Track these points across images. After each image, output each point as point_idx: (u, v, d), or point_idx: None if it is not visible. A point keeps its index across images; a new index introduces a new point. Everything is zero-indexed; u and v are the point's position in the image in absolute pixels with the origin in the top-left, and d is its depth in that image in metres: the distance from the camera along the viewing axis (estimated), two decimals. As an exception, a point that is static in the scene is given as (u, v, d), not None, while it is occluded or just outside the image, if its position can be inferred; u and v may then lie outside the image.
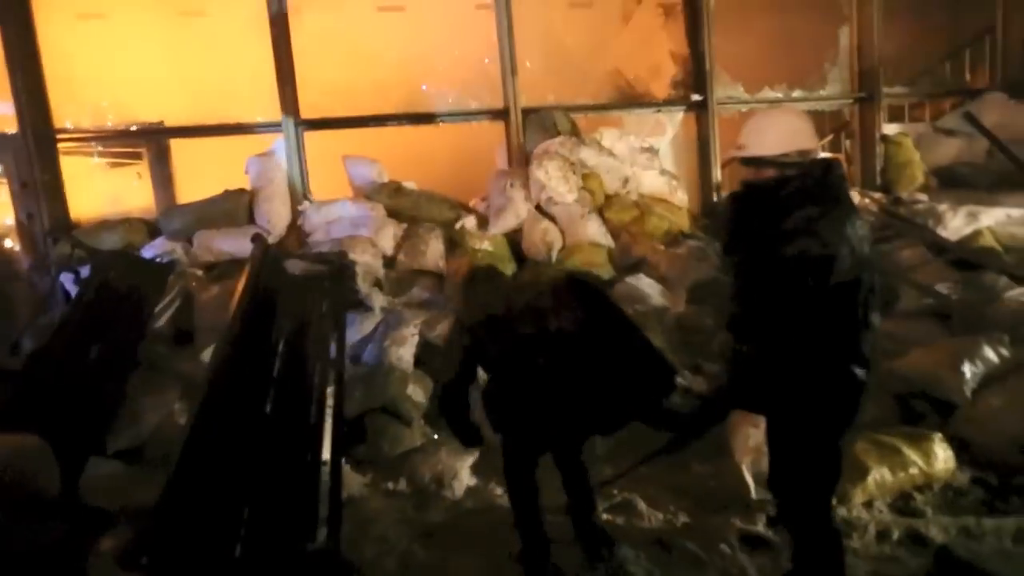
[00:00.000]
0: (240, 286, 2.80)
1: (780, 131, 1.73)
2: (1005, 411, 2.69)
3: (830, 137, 6.17)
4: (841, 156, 5.96)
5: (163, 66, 5.16)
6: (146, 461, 2.84)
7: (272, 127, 4.18)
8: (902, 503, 2.40)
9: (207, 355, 3.18)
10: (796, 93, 5.51)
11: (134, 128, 4.40)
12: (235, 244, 3.82)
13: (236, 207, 3.98)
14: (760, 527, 2.34)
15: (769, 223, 1.67)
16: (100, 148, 4.60)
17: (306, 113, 4.16)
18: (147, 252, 3.78)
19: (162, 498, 1.58)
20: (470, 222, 4.14)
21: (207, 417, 1.98)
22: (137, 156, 4.63)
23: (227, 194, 4.03)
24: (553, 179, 4.08)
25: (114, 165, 4.82)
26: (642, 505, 2.48)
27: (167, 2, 5.70)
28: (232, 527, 1.72)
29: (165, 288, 3.46)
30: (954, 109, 5.92)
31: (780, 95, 5.42)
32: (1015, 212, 4.42)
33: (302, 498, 1.92)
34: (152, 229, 4.00)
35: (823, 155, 1.81)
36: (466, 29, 5.57)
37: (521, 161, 4.45)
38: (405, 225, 4.08)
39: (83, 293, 3.16)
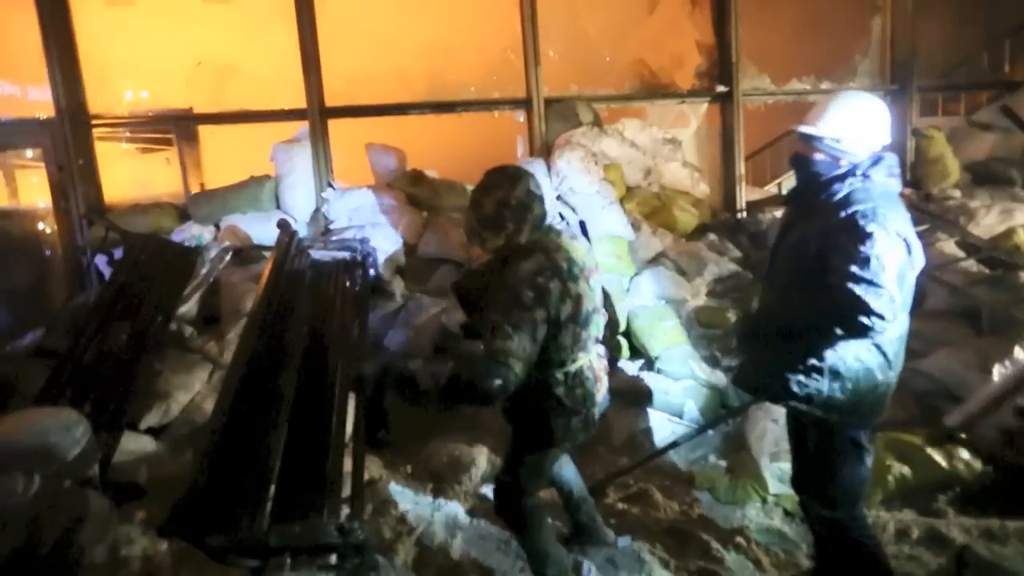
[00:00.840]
0: (267, 270, 2.87)
1: (850, 114, 1.68)
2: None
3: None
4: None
5: (192, 53, 5.25)
6: (173, 438, 2.94)
7: (297, 114, 4.24)
8: (923, 503, 2.37)
9: (232, 337, 3.28)
10: (824, 85, 5.38)
11: (165, 114, 4.49)
12: (260, 229, 3.91)
13: (261, 193, 4.06)
14: (777, 521, 2.35)
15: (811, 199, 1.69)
16: (132, 134, 4.71)
17: (330, 101, 4.20)
18: (176, 236, 3.89)
19: (195, 472, 1.64)
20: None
21: (236, 397, 2.05)
22: (167, 142, 4.74)
23: (253, 180, 4.10)
24: (575, 169, 4.06)
25: (145, 150, 4.94)
26: (658, 495, 2.49)
27: None
28: (259, 502, 1.78)
29: (193, 271, 3.56)
30: (991, 102, 5.72)
31: (808, 87, 5.30)
32: (1052, 210, 4.28)
33: (325, 477, 1.98)
34: (181, 213, 4.10)
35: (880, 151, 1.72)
36: (487, 17, 5.55)
37: (542, 151, 4.44)
38: (426, 213, 4.11)
39: (117, 275, 3.26)
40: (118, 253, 3.57)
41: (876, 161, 1.68)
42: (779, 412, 2.74)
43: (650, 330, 3.41)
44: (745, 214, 4.97)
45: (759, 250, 4.40)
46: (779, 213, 4.74)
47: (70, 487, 1.79)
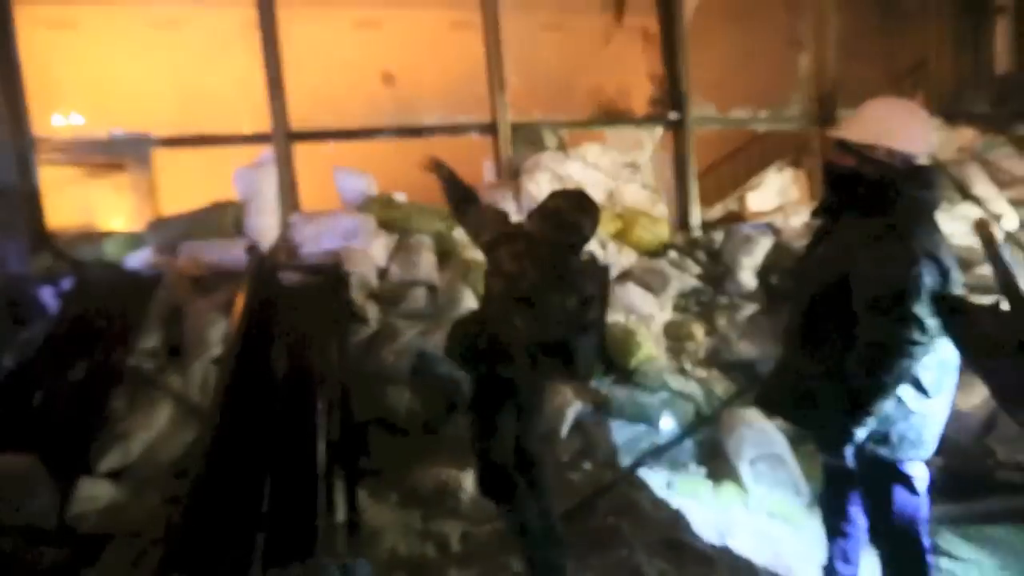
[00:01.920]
0: (238, 298, 2.76)
1: (890, 123, 1.58)
2: None
3: (790, 157, 6.51)
4: (803, 172, 6.31)
5: (145, 76, 5.07)
6: (135, 481, 2.74)
7: (261, 139, 4.16)
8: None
9: (198, 367, 3.12)
10: (762, 114, 5.80)
11: (117, 138, 4.30)
12: (224, 255, 3.76)
13: (224, 219, 3.93)
14: (761, 522, 2.43)
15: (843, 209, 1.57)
16: (79, 158, 4.47)
17: (295, 125, 4.15)
18: (131, 264, 3.69)
19: (183, 516, 1.55)
20: (462, 233, 4.18)
21: (216, 431, 1.95)
22: (119, 167, 4.51)
23: (215, 206, 3.97)
24: (544, 192, 4.17)
25: (94, 175, 4.68)
26: (647, 506, 2.54)
27: (137, 14, 5.63)
28: (250, 545, 1.70)
29: (152, 302, 3.38)
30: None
31: (748, 116, 5.71)
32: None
33: (316, 514, 1.90)
34: (136, 241, 3.90)
35: (922, 163, 1.61)
36: (444, 46, 5.68)
37: (510, 175, 4.53)
38: (397, 236, 4.09)
39: (66, 307, 3.06)
40: (66, 284, 3.35)
41: (913, 173, 1.55)
42: (753, 417, 2.88)
43: (625, 345, 3.51)
44: (700, 232, 5.24)
45: (716, 266, 4.65)
46: (726, 232, 5.03)
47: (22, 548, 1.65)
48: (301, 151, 4.20)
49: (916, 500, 1.65)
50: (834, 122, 5.85)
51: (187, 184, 4.31)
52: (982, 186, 5.45)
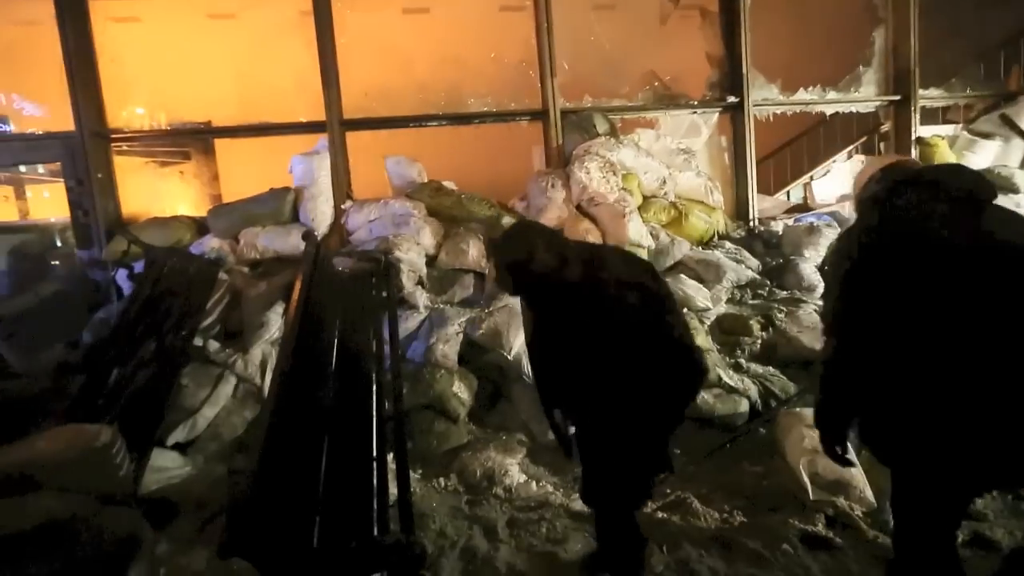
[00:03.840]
0: (297, 283, 2.84)
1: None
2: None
3: (864, 139, 6.10)
4: (876, 158, 5.89)
5: (206, 67, 5.27)
6: (201, 454, 2.90)
7: (316, 127, 4.25)
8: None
9: (257, 351, 3.25)
10: (831, 95, 5.45)
11: (182, 128, 4.50)
12: (280, 242, 3.89)
13: (281, 205, 4.05)
14: (820, 527, 2.32)
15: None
16: (149, 148, 4.71)
17: (348, 113, 4.21)
18: (195, 249, 3.86)
19: (250, 491, 1.60)
20: (510, 221, 4.15)
21: (275, 413, 2.01)
22: (185, 155, 4.73)
23: (272, 192, 4.09)
24: (595, 179, 4.08)
25: (163, 164, 4.93)
26: (697, 504, 2.46)
27: (198, 5, 5.83)
28: (310, 521, 1.74)
29: (214, 285, 3.53)
30: (988, 111, 5.79)
31: (815, 97, 5.37)
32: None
33: (369, 491, 1.94)
34: (200, 227, 4.08)
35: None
36: (494, 31, 5.61)
37: (560, 162, 4.45)
38: (445, 224, 4.11)
39: (139, 289, 3.23)
40: (138, 267, 3.55)
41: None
42: (811, 417, 2.74)
43: (676, 339, 3.40)
44: (758, 222, 5.00)
45: (774, 258, 4.43)
46: (790, 221, 4.78)
47: (111, 507, 1.75)
48: (353, 139, 4.27)
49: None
50: (913, 102, 5.45)
51: (247, 171, 4.47)
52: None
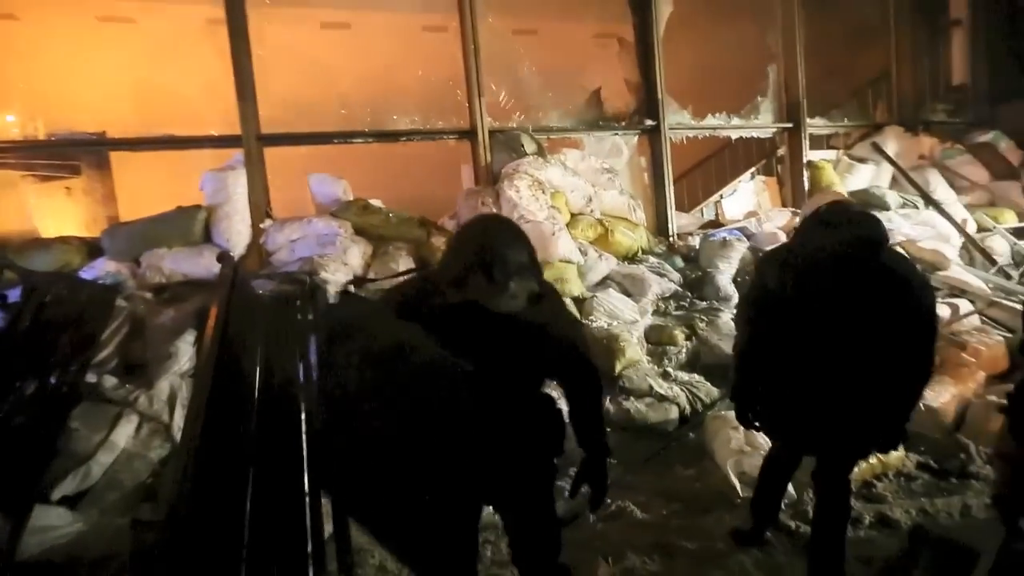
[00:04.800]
0: (212, 308, 2.61)
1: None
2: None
3: (763, 162, 6.74)
4: (773, 180, 6.53)
5: (96, 74, 4.79)
6: (96, 506, 2.54)
7: (229, 141, 3.98)
8: (866, 491, 2.62)
9: (163, 385, 2.93)
10: (735, 121, 5.97)
11: (72, 139, 4.03)
12: (190, 264, 3.58)
13: (191, 225, 3.73)
14: (748, 524, 2.45)
15: None
16: (27, 160, 4.17)
17: (266, 128, 3.99)
18: (87, 274, 3.45)
19: (162, 540, 1.42)
20: (439, 240, 4.11)
21: (196, 451, 1.82)
22: (73, 170, 4.23)
23: (180, 211, 3.77)
24: (524, 197, 4.14)
25: (44, 179, 4.37)
26: (637, 512, 2.53)
27: (83, 6, 5.33)
28: (234, 565, 1.58)
29: (111, 313, 3.16)
30: (863, 139, 6.63)
31: (722, 122, 5.86)
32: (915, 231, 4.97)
33: (303, 529, 1.79)
34: (92, 249, 3.66)
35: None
36: (419, 49, 5.61)
37: (489, 180, 4.49)
38: (373, 243, 3.98)
39: (15, 320, 2.81)
40: (14, 295, 3.09)
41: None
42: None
43: (609, 350, 3.50)
44: (677, 238, 5.32)
45: (693, 271, 4.72)
46: (706, 236, 5.14)
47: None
48: (272, 154, 4.04)
49: None
50: (802, 129, 6.11)
51: (149, 188, 4.08)
52: (942, 191, 5.74)
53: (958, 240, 5.05)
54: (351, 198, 4.16)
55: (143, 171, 4.38)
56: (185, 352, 2.99)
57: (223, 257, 3.05)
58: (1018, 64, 6.55)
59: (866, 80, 7.00)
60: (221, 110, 4.08)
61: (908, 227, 5.01)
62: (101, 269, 3.49)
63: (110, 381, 2.89)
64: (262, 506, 1.85)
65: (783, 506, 2.39)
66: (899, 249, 2.02)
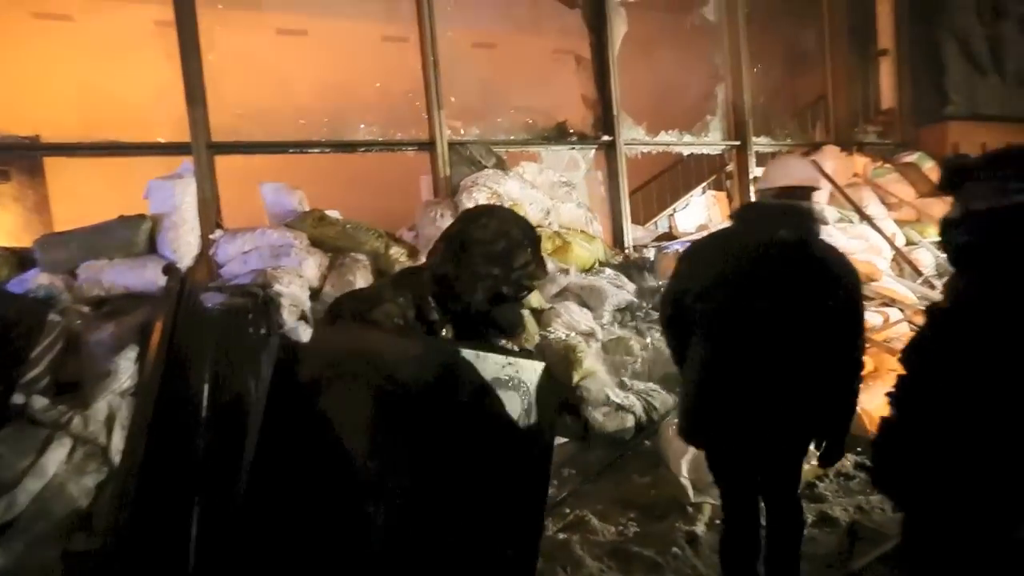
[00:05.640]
0: (158, 323, 2.49)
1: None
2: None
3: (714, 177, 7.06)
4: (723, 194, 6.84)
5: (31, 74, 4.52)
6: (24, 537, 2.36)
7: (177, 149, 3.83)
8: (808, 491, 2.75)
9: (101, 405, 2.77)
10: (687, 138, 6.23)
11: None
12: (133, 276, 3.41)
13: (134, 235, 3.56)
14: (702, 527, 2.53)
15: None
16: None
17: (217, 135, 3.87)
18: (16, 287, 3.23)
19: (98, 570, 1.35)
20: (398, 252, 4.07)
21: (139, 474, 1.73)
22: (2, 175, 3.96)
23: (123, 220, 3.58)
24: (483, 210, 4.16)
25: (-32, 184, 4.07)
26: (594, 520, 2.57)
27: (18, 1, 5.05)
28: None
29: (43, 328, 2.97)
30: (804, 156, 7.04)
31: (674, 139, 6.10)
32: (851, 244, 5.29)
33: (247, 556, 1.72)
34: (22, 260, 3.43)
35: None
36: (378, 60, 5.59)
37: (448, 192, 4.49)
38: (330, 255, 3.91)
39: (-67, 337, 2.60)
40: (-69, 310, 2.86)
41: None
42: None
43: (567, 361, 3.55)
44: (633, 250, 5.47)
45: (648, 282, 4.86)
46: (661, 249, 5.31)
47: None
48: (223, 163, 3.91)
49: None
50: (748, 146, 6.44)
51: (89, 196, 3.87)
52: (874, 207, 6.14)
53: (889, 252, 5.42)
54: (307, 209, 4.08)
55: (82, 178, 4.16)
56: (126, 369, 2.84)
57: (169, 269, 2.92)
58: (937, 91, 7.14)
59: (805, 102, 7.48)
60: (169, 116, 3.92)
61: (844, 240, 5.33)
62: (33, 281, 3.28)
63: (40, 402, 2.70)
64: (209, 533, 1.77)
65: None
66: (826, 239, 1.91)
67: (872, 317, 4.13)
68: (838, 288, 1.74)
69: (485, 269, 2.03)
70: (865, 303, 1.89)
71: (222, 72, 4.08)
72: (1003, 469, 1.18)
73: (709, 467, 1.98)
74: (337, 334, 1.76)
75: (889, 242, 5.45)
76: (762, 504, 1.93)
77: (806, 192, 1.92)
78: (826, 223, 6.07)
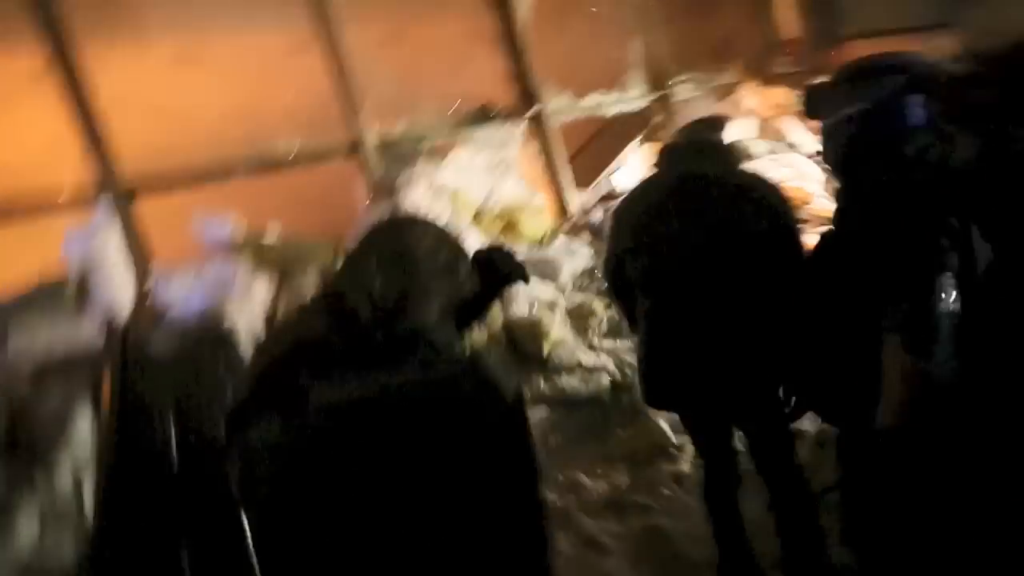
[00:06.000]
0: (105, 383, 2.38)
1: None
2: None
3: (646, 131, 7.17)
4: (659, 145, 6.95)
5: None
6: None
7: (86, 202, 3.61)
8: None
9: (65, 471, 2.63)
10: (613, 95, 6.29)
11: None
12: (70, 339, 3.21)
13: (57, 301, 3.35)
14: (686, 466, 2.64)
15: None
16: None
17: (130, 179, 3.67)
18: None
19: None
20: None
21: (110, 537, 1.67)
22: None
23: (43, 288, 3.36)
24: (423, 204, 4.14)
25: None
26: (585, 479, 2.65)
27: None
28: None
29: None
30: (726, 97, 7.24)
31: (602, 99, 6.14)
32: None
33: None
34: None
35: None
36: (284, 76, 5.38)
37: (386, 192, 4.42)
38: (278, 277, 3.80)
39: None
40: None
41: None
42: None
43: (535, 335, 3.60)
44: (581, 215, 5.54)
45: (601, 242, 4.95)
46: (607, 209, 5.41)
47: None
48: (145, 207, 3.72)
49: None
50: (668, 99, 6.56)
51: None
52: (799, 134, 6.40)
53: (819, 175, 5.68)
54: (243, 234, 3.94)
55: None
56: (83, 432, 2.71)
57: (105, 326, 2.79)
58: (834, 13, 7.44)
59: (718, 43, 7.64)
60: (70, 168, 3.68)
61: (775, 171, 5.55)
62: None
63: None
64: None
65: None
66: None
67: (814, 240, 4.34)
68: (767, 212, 1.69)
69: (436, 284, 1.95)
70: (802, 226, 1.82)
71: (122, 112, 3.86)
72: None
73: (683, 425, 1.97)
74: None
75: (818, 165, 5.71)
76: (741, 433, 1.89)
77: (715, 123, 1.92)
78: (749, 155, 6.32)
